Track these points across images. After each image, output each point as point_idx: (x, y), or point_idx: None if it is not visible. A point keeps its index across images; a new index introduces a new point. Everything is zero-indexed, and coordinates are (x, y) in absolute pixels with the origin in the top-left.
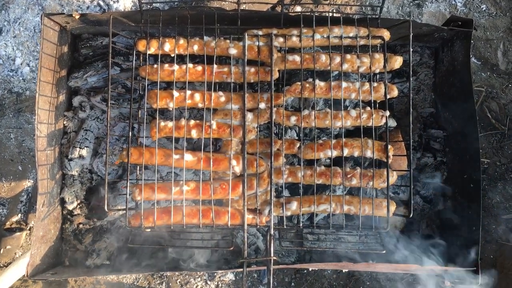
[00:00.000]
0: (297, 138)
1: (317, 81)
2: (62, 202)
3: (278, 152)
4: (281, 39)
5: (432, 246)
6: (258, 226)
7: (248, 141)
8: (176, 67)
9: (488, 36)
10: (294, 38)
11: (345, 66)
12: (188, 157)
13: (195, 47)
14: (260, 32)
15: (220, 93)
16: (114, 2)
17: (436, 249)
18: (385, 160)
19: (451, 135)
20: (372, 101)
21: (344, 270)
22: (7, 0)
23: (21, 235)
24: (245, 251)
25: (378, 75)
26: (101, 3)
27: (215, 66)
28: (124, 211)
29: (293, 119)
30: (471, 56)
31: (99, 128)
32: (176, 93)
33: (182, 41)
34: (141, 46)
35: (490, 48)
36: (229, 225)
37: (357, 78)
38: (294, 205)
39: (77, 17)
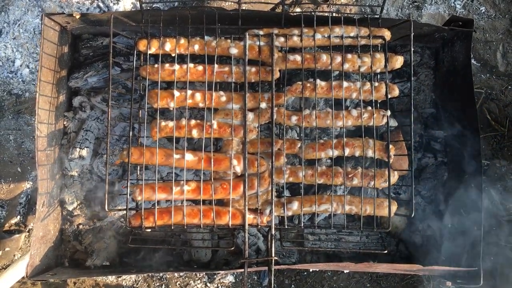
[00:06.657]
0: (298, 138)
1: (318, 81)
2: (62, 202)
3: (279, 152)
4: (282, 39)
5: (433, 246)
6: (259, 226)
7: (249, 141)
8: (176, 67)
9: (487, 38)
10: (295, 38)
11: (346, 66)
12: (189, 157)
13: (196, 47)
14: (261, 32)
15: (221, 92)
16: (113, 3)
17: (437, 249)
18: (386, 160)
19: (451, 136)
20: (373, 100)
21: (345, 271)
22: (6, 1)
23: (20, 237)
24: (246, 251)
25: (379, 75)
26: (101, 4)
27: (216, 66)
28: (125, 211)
29: (294, 118)
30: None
31: (99, 129)
32: (176, 93)
33: (182, 41)
34: (142, 46)
35: (489, 50)
36: (230, 225)
37: (358, 77)
38: (295, 205)
39: (77, 17)
